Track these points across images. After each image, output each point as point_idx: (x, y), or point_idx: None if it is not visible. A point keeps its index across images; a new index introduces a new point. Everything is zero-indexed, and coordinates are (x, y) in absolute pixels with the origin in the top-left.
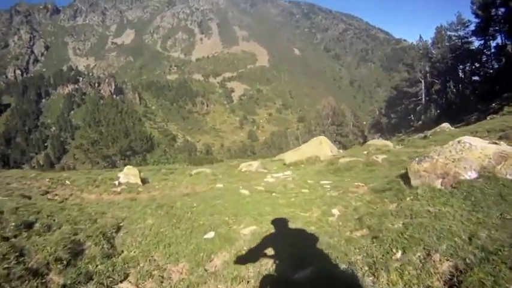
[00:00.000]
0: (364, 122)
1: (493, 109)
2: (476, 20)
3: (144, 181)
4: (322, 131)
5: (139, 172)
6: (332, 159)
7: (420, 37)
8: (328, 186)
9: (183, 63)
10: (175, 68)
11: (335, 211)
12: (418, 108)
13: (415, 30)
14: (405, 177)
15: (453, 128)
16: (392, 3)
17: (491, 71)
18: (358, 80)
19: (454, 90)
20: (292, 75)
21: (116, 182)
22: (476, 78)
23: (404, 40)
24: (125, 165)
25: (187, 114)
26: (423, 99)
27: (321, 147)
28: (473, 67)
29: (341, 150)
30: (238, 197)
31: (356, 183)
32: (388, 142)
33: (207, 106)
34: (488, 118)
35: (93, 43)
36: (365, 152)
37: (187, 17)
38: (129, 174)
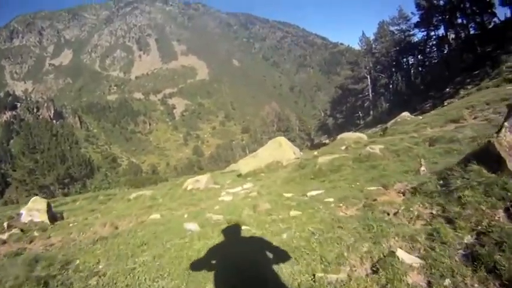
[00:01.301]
0: (310, 126)
1: (449, 93)
2: (419, 13)
3: (54, 218)
4: (269, 138)
5: (50, 205)
6: (301, 161)
7: (363, 33)
8: (330, 200)
9: (123, 82)
10: (115, 87)
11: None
12: (365, 104)
13: (351, 33)
14: (482, 161)
15: (413, 116)
16: (327, 10)
17: (435, 61)
18: (298, 86)
19: (402, 82)
20: (232, 86)
21: (5, 225)
22: (418, 69)
23: (341, 43)
24: (64, 194)
25: (130, 135)
26: (370, 94)
27: (282, 150)
28: (418, 58)
29: (301, 153)
30: (180, 241)
31: (376, 187)
32: (361, 134)
33: (150, 125)
34: (445, 103)
35: (30, 65)
36: (343, 147)
37: (125, 34)
38: (33, 210)
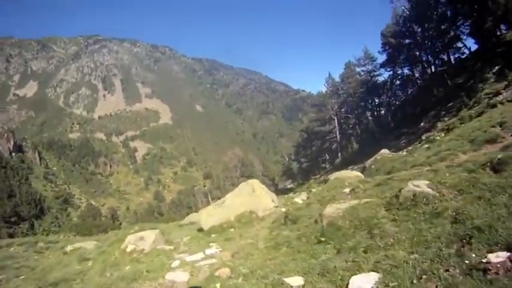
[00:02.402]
0: (273, 172)
1: (424, 128)
2: (385, 52)
3: None
4: (232, 184)
5: None
6: (287, 211)
7: (329, 75)
8: None
9: (86, 120)
10: (77, 125)
11: None
12: (333, 146)
13: (312, 80)
14: None
15: (394, 153)
16: (289, 58)
17: (403, 98)
18: (260, 132)
19: (372, 121)
20: (195, 132)
21: None
22: (387, 108)
23: (303, 90)
24: (10, 235)
25: (90, 176)
26: (338, 136)
27: (256, 196)
28: (386, 97)
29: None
30: None
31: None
32: (356, 172)
33: (111, 167)
34: (423, 137)
35: None
36: (346, 190)
37: (91, 72)
38: None
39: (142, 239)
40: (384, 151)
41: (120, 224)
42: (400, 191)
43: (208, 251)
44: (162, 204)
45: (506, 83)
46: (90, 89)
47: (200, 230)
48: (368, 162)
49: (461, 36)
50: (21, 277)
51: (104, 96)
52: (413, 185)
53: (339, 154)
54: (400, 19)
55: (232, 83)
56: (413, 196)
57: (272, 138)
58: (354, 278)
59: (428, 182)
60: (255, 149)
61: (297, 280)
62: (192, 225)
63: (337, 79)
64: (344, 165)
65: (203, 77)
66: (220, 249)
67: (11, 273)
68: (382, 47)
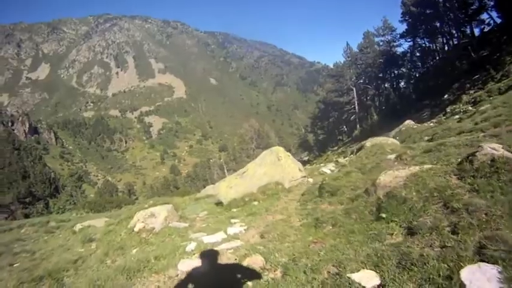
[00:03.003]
0: (289, 143)
1: (448, 100)
2: (405, 22)
3: None
4: (247, 156)
5: None
6: (324, 180)
7: (347, 44)
8: None
9: (99, 98)
10: (91, 104)
11: None
12: (351, 118)
13: (327, 52)
14: None
15: (420, 125)
16: (304, 29)
17: (424, 70)
18: (275, 105)
19: (394, 92)
20: (209, 105)
21: None
22: (407, 79)
23: (318, 62)
24: (25, 215)
25: (106, 153)
26: (356, 107)
27: (281, 165)
28: (406, 68)
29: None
30: None
31: None
32: (393, 139)
33: (126, 143)
34: (448, 109)
35: (7, 78)
36: (390, 157)
37: (103, 50)
38: None
39: (153, 216)
40: (409, 122)
41: (137, 198)
42: (473, 154)
43: (230, 230)
44: (178, 177)
45: None
46: (103, 67)
47: (219, 203)
48: (392, 133)
49: (487, 8)
50: (15, 265)
51: (117, 73)
52: (491, 148)
53: (357, 126)
54: None
55: (246, 55)
56: (491, 161)
57: (287, 110)
58: (462, 272)
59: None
60: (270, 121)
61: (368, 276)
62: (209, 198)
63: (355, 50)
64: (364, 137)
65: (216, 51)
66: (245, 227)
67: (6, 260)
68: (402, 17)
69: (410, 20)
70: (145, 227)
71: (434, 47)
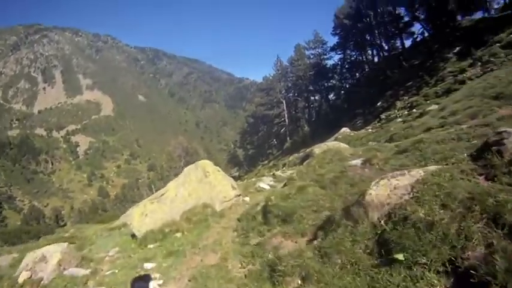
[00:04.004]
0: (218, 160)
1: (382, 107)
2: (335, 38)
3: None
4: (176, 175)
5: None
6: (266, 199)
7: (278, 57)
8: None
9: (25, 116)
10: (16, 122)
11: None
12: (281, 130)
13: (256, 69)
14: None
15: (356, 132)
16: (232, 47)
17: (354, 81)
18: (204, 122)
19: (325, 103)
20: (138, 123)
21: None
22: (338, 91)
23: (247, 78)
24: None
25: (32, 175)
26: (286, 120)
27: (209, 182)
28: (337, 80)
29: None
30: None
31: None
32: (344, 144)
33: (52, 164)
34: (382, 116)
35: None
36: (354, 162)
37: (31, 64)
38: None
39: (44, 260)
40: (345, 129)
41: (65, 224)
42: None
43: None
44: (106, 200)
45: (471, 61)
46: (30, 82)
47: (132, 238)
48: (328, 142)
49: (414, 23)
50: None
51: (44, 89)
52: None
53: (288, 138)
54: (353, 2)
55: (175, 72)
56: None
57: (216, 127)
58: None
59: None
60: (198, 138)
61: None
62: (126, 227)
63: (286, 63)
64: (295, 149)
65: (146, 67)
66: (162, 281)
67: None
68: (333, 30)
69: (342, 33)
70: (32, 276)
71: (364, 58)
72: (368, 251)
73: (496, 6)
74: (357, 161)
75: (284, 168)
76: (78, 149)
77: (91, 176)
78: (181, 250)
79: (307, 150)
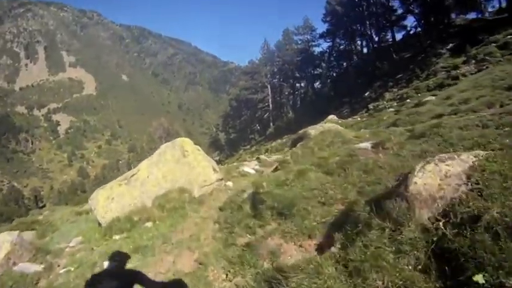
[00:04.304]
0: (200, 143)
1: (370, 97)
2: (324, 25)
3: None
4: None
5: None
6: (255, 189)
7: (265, 41)
8: None
9: (6, 93)
10: None
11: None
12: (265, 115)
13: (241, 54)
14: None
15: (344, 120)
16: (219, 30)
17: (341, 70)
18: (186, 104)
19: (311, 89)
20: (120, 103)
21: None
22: (325, 78)
23: (232, 62)
24: None
25: (12, 155)
26: (270, 105)
27: (188, 163)
28: (324, 68)
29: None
30: None
31: None
32: (338, 126)
33: (32, 143)
34: (370, 106)
35: None
36: (363, 145)
37: (13, 39)
38: None
39: None
40: (333, 116)
41: (44, 205)
42: None
43: None
44: (86, 181)
45: (464, 58)
46: (12, 57)
47: (97, 227)
48: (317, 126)
49: (408, 15)
50: None
51: (26, 65)
52: None
53: (271, 124)
54: None
55: (160, 52)
56: None
57: (198, 110)
58: None
59: None
60: (180, 120)
61: None
62: (93, 212)
63: (273, 48)
64: (278, 135)
65: (130, 45)
66: None
67: None
68: (324, 17)
69: (332, 20)
70: None
71: (353, 48)
72: (420, 267)
73: (490, 10)
74: (366, 144)
75: (267, 153)
76: (58, 128)
77: (71, 156)
78: (151, 245)
79: (300, 131)
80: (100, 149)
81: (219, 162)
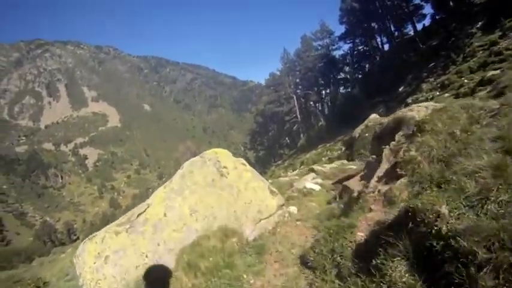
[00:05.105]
0: None
1: (406, 92)
2: (342, 26)
3: None
4: None
5: None
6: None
7: (284, 50)
8: None
9: (32, 131)
10: (23, 138)
11: None
12: (294, 127)
13: (258, 71)
14: None
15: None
16: (234, 50)
17: (366, 70)
18: (210, 127)
19: (339, 94)
20: (145, 132)
21: None
22: (352, 81)
23: (251, 81)
24: None
25: (42, 190)
26: (298, 115)
27: (229, 186)
28: (349, 70)
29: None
30: None
31: None
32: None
33: (62, 178)
34: (409, 100)
35: None
36: None
37: (34, 79)
38: None
39: None
40: (375, 116)
41: (77, 238)
42: None
43: None
44: (117, 211)
45: (500, 33)
46: (35, 97)
47: None
48: (357, 131)
49: (424, 5)
50: None
51: (50, 103)
52: None
53: (301, 135)
54: None
55: (179, 78)
56: None
57: (223, 131)
58: None
59: None
60: (206, 143)
61: None
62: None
63: (293, 57)
64: (310, 146)
65: (149, 75)
66: None
67: None
68: (340, 18)
69: (350, 19)
70: None
71: (376, 45)
72: None
73: None
74: None
75: (299, 167)
76: (87, 161)
77: (101, 188)
78: None
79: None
80: (129, 179)
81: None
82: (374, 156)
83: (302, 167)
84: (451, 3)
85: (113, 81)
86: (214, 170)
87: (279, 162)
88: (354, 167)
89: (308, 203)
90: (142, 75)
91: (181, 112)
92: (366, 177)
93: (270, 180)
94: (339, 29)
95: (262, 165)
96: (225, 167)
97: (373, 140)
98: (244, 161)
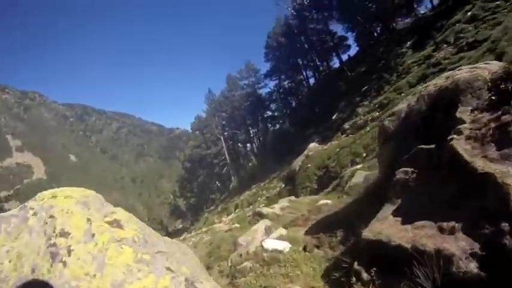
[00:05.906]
0: (160, 214)
1: (341, 118)
2: (267, 63)
3: None
4: None
5: None
6: None
7: (209, 90)
8: None
9: None
10: None
11: None
12: (224, 170)
13: (184, 118)
14: None
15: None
16: (161, 97)
17: (296, 104)
18: (139, 177)
19: (270, 131)
20: (72, 184)
21: None
22: (281, 117)
23: (177, 128)
24: None
25: None
26: (227, 157)
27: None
28: (277, 106)
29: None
30: None
31: None
32: None
33: None
34: (346, 126)
35: None
36: None
37: None
38: None
39: None
40: (314, 144)
41: None
42: None
43: None
44: None
45: (433, 47)
46: None
47: None
48: (297, 164)
49: (348, 37)
50: None
51: None
52: None
53: (232, 177)
54: (283, 26)
55: (105, 128)
56: None
57: (152, 181)
58: None
59: None
60: (136, 193)
61: None
62: None
63: (218, 97)
64: (243, 187)
65: (75, 124)
66: None
67: None
68: (265, 56)
69: (275, 55)
70: None
71: (303, 78)
72: None
73: (422, 12)
74: None
75: (235, 211)
76: None
77: None
78: None
79: None
80: None
81: (183, 230)
82: (405, 169)
83: (237, 210)
84: (375, 34)
85: (39, 129)
86: (41, 242)
87: (212, 207)
88: (329, 202)
89: None
90: (68, 124)
91: (109, 162)
92: (406, 212)
93: (204, 229)
94: (264, 67)
95: (194, 213)
96: (67, 234)
97: (383, 144)
98: (131, 217)
